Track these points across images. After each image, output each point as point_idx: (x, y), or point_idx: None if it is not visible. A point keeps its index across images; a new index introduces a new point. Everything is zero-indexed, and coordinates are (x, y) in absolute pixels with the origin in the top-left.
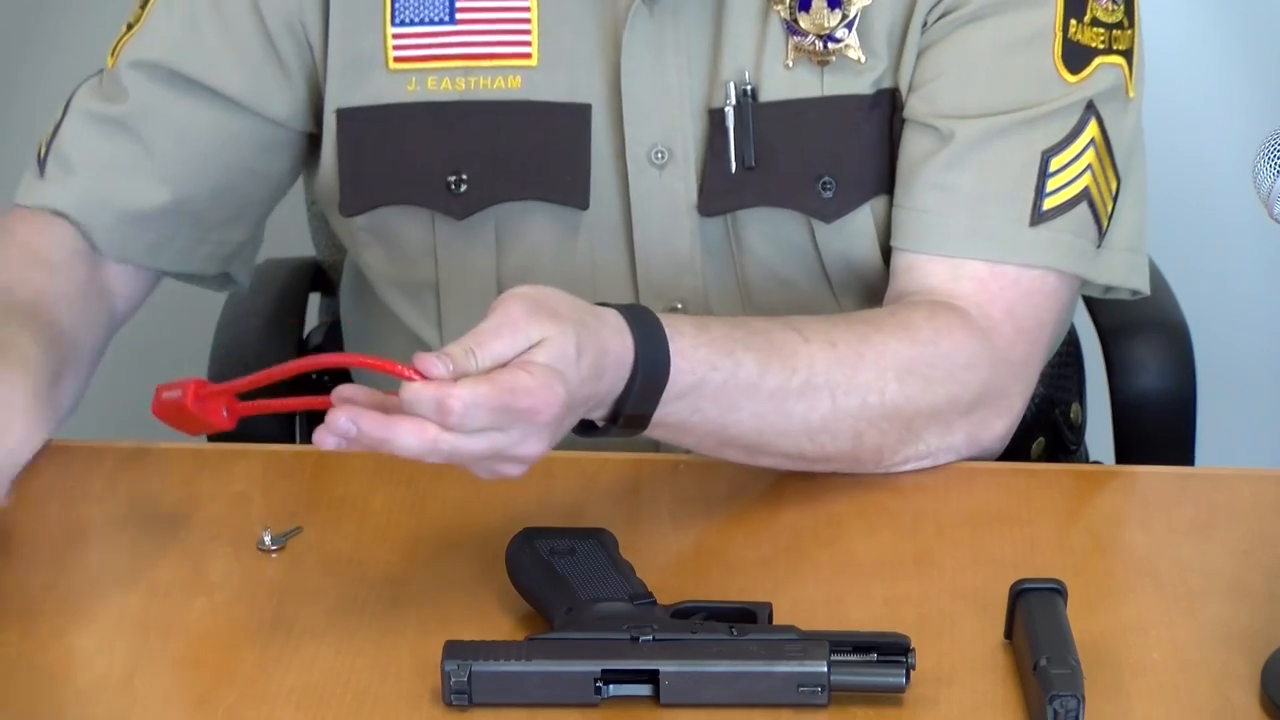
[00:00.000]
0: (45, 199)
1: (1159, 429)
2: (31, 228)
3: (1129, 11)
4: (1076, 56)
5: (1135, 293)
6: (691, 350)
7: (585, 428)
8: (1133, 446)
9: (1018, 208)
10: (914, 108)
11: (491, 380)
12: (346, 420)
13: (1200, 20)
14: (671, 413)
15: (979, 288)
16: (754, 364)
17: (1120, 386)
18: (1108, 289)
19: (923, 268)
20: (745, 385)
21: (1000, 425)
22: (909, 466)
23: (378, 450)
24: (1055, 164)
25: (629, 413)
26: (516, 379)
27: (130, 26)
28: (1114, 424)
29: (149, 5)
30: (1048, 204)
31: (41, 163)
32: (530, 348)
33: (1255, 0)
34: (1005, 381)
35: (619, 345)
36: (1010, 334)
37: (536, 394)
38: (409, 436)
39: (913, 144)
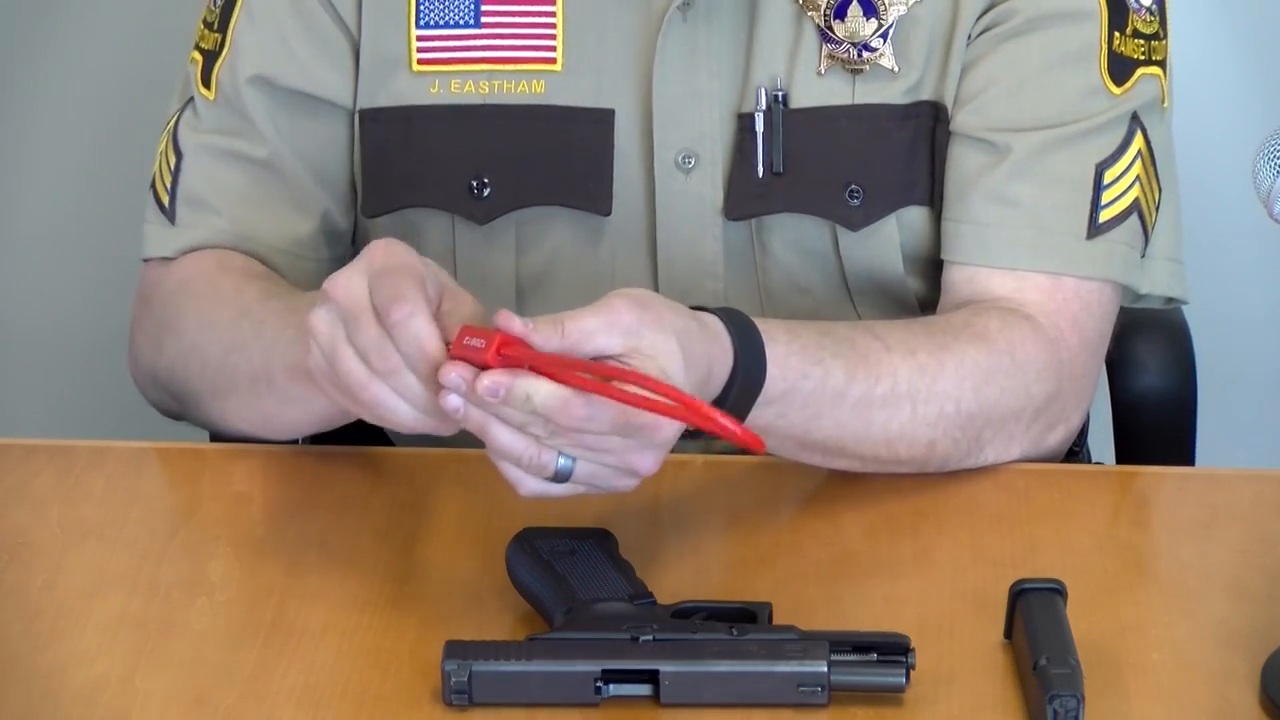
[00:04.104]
0: (192, 240)
1: (1159, 429)
2: (212, 259)
3: (1163, 22)
4: (1121, 68)
5: (1170, 301)
6: (784, 358)
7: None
8: (1133, 446)
9: (1076, 220)
10: (965, 121)
11: (578, 328)
12: (457, 376)
13: (1199, 20)
14: (760, 417)
15: (1045, 298)
16: (842, 372)
17: (1120, 387)
18: (1138, 297)
19: (985, 280)
20: (832, 393)
21: (1054, 439)
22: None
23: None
24: (1109, 176)
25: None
26: (608, 343)
27: (207, 52)
28: (1114, 424)
29: (231, 25)
30: (1103, 216)
31: (169, 212)
32: (638, 354)
33: (1255, 1)
34: (1067, 395)
35: (719, 350)
36: (1076, 347)
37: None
38: (506, 434)
39: (965, 158)
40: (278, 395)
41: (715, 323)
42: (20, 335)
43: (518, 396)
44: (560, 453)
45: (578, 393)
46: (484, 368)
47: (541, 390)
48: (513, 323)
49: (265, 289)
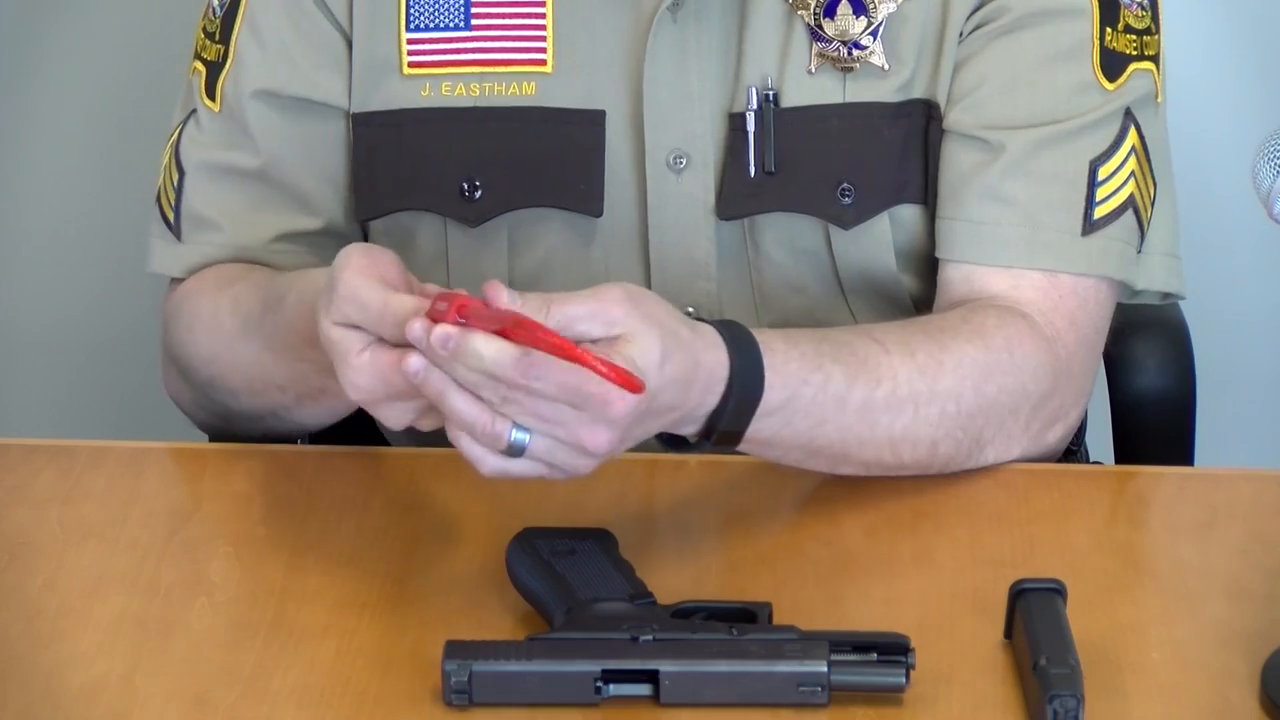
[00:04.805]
0: (198, 259)
1: (1159, 429)
2: (220, 277)
3: (1155, 17)
4: (1113, 64)
5: (1167, 296)
6: (783, 366)
7: (677, 443)
8: (1133, 446)
9: (1070, 217)
10: (958, 119)
11: (571, 306)
12: (420, 328)
13: (1199, 20)
14: (764, 428)
15: (1041, 296)
16: (842, 377)
17: (1120, 386)
18: (1135, 293)
19: (981, 279)
20: (834, 399)
21: (1053, 437)
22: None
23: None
24: (1103, 173)
25: (724, 429)
26: (595, 319)
27: (211, 63)
28: (1114, 424)
29: (234, 37)
30: (1098, 213)
31: (175, 228)
32: (615, 339)
33: (1254, 1)
34: (1065, 393)
35: (713, 360)
36: (1073, 344)
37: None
38: (462, 400)
39: (959, 156)
40: (331, 397)
41: (712, 333)
42: (21, 335)
43: (468, 351)
44: (515, 426)
45: (526, 350)
46: None
47: (491, 347)
48: (500, 294)
49: (241, 321)
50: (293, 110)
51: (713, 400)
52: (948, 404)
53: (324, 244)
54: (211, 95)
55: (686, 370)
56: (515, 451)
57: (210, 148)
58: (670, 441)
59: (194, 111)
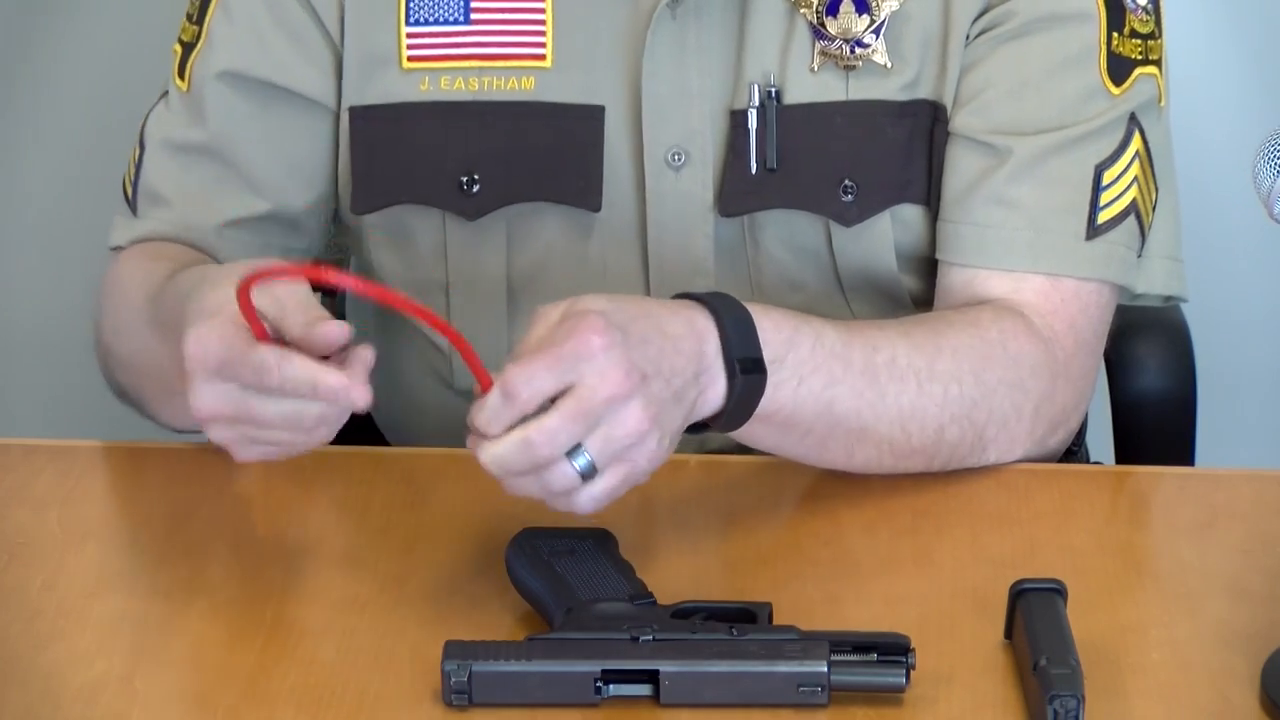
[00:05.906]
0: (143, 231)
1: (1159, 429)
2: (150, 251)
3: (1158, 21)
4: (1119, 69)
5: (1169, 299)
6: (764, 313)
7: (696, 427)
8: (1133, 446)
9: (1075, 222)
10: (965, 123)
11: (524, 346)
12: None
13: (1199, 21)
14: (783, 385)
15: (1041, 299)
16: (835, 335)
17: (1120, 387)
18: (1136, 296)
19: (983, 282)
20: (835, 355)
21: (1055, 441)
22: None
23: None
24: (1107, 177)
25: (740, 357)
26: (544, 336)
27: (186, 44)
28: (1114, 424)
29: (207, 19)
30: (1101, 217)
31: (132, 203)
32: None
33: (1254, 1)
34: (1065, 395)
35: (684, 310)
36: (1071, 347)
37: (573, 330)
38: (518, 484)
39: (965, 160)
40: (181, 402)
41: (668, 301)
42: (20, 335)
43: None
44: (570, 458)
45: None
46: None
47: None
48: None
49: (145, 295)
50: (257, 93)
51: (708, 346)
52: (950, 385)
53: (270, 231)
54: (182, 75)
55: (646, 307)
56: (589, 474)
57: (172, 125)
58: (698, 429)
59: (166, 92)
